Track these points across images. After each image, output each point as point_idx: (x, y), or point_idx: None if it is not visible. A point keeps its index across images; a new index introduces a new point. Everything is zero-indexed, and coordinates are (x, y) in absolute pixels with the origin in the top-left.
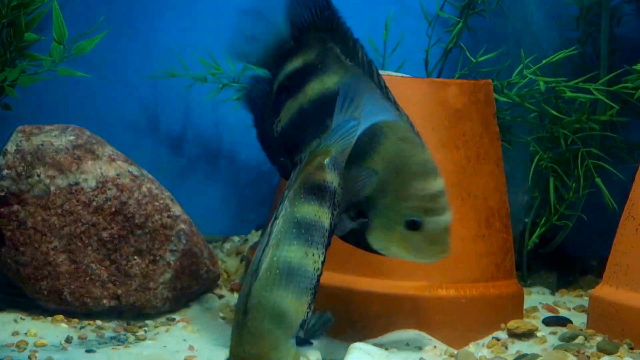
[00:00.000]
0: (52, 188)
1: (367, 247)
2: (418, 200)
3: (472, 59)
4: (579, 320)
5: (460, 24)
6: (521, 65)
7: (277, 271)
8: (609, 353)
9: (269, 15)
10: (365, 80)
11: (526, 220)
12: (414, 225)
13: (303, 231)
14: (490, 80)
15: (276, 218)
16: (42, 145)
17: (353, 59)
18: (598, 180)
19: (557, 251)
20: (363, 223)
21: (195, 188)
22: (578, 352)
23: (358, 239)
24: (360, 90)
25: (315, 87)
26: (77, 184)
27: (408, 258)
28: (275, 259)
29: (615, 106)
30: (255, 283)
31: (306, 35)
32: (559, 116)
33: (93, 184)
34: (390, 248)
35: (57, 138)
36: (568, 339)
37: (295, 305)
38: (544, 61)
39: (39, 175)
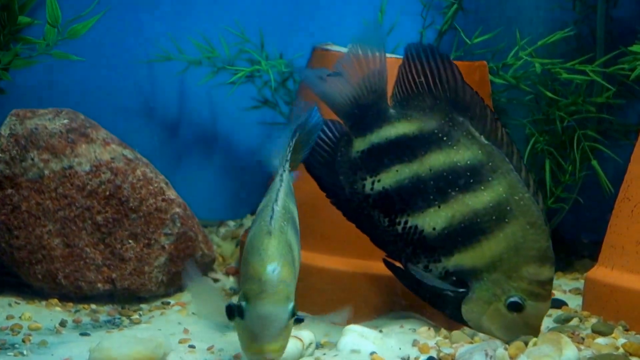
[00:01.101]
0: (46, 172)
1: (456, 316)
2: (527, 282)
3: (467, 41)
4: (574, 302)
5: (455, 6)
6: (517, 47)
7: (285, 213)
8: (603, 334)
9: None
10: (502, 160)
11: None
12: (516, 306)
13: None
14: (485, 62)
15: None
16: (36, 128)
17: (491, 135)
18: (594, 162)
19: (554, 234)
20: (461, 293)
21: (190, 172)
22: (573, 334)
23: (449, 305)
24: (497, 170)
25: (438, 158)
26: (71, 167)
27: (498, 335)
28: (285, 204)
29: (612, 88)
30: (276, 213)
31: (418, 100)
32: (554, 98)
33: (87, 167)
34: (482, 322)
35: (51, 122)
36: (563, 321)
37: (295, 245)
38: (539, 42)
39: (32, 159)
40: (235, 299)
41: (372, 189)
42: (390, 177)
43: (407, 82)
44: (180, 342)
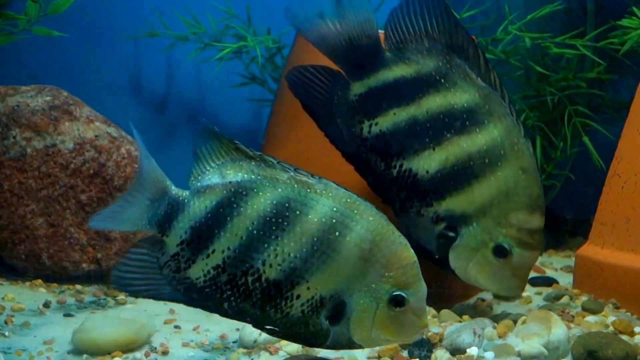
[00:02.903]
0: (29, 150)
1: (443, 264)
2: (516, 230)
3: (456, 15)
4: (565, 280)
5: None
6: (506, 21)
7: None
8: (594, 312)
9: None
10: (499, 104)
11: None
12: (502, 252)
13: None
14: (474, 37)
15: None
16: (17, 106)
17: (485, 79)
18: (585, 138)
19: (546, 211)
20: (450, 239)
21: (177, 150)
22: (563, 311)
23: (437, 253)
24: (493, 113)
25: (435, 101)
26: (54, 145)
27: (483, 284)
28: None
29: (603, 63)
30: None
31: (415, 44)
32: (545, 74)
33: (70, 145)
34: (469, 269)
35: (33, 99)
36: (553, 299)
37: None
38: (528, 17)
39: (14, 137)
40: None
41: (369, 132)
42: (387, 120)
43: (403, 26)
44: (165, 322)
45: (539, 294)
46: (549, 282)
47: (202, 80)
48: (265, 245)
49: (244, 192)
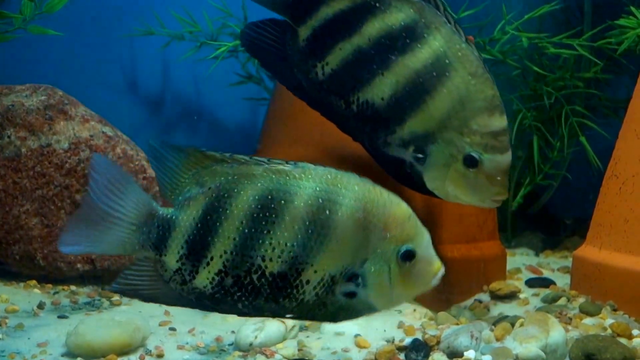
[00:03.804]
0: (23, 150)
1: (423, 188)
2: (480, 136)
3: (453, 15)
4: (562, 281)
5: None
6: (503, 21)
7: None
8: (591, 314)
9: None
10: (434, 14)
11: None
12: (472, 161)
13: None
14: (471, 37)
15: None
16: (12, 105)
17: None
18: (582, 138)
19: (543, 211)
20: (420, 160)
21: None
22: (560, 313)
23: (413, 178)
24: (430, 25)
25: (374, 26)
26: (49, 145)
27: (464, 199)
28: None
29: (600, 63)
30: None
31: None
32: (542, 73)
33: (65, 145)
34: (446, 187)
35: (28, 98)
36: (551, 301)
37: None
38: (525, 16)
39: (9, 137)
40: None
41: (323, 74)
42: (335, 58)
43: None
44: (160, 324)
45: (536, 295)
46: (546, 283)
47: (198, 79)
48: (260, 241)
49: (225, 195)
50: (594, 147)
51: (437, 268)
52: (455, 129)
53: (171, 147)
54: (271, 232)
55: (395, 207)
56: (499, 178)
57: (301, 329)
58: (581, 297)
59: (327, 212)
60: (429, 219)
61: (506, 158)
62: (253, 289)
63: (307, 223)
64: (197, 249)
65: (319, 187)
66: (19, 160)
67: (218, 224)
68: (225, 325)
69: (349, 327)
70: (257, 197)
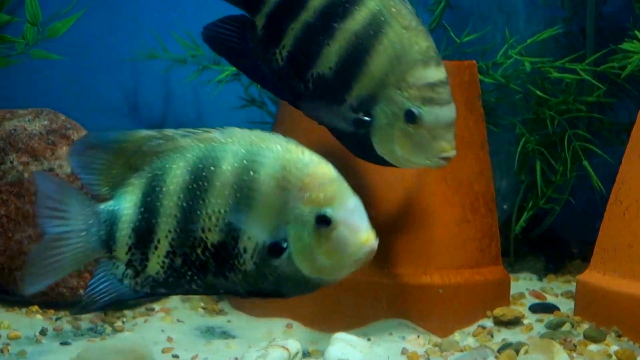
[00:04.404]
0: (26, 175)
1: (373, 155)
2: (417, 89)
3: (456, 39)
4: (566, 306)
5: (443, 3)
6: (506, 45)
7: None
8: (596, 341)
9: None
10: None
11: (504, 206)
12: (411, 116)
13: None
14: (474, 62)
15: None
16: (14, 130)
17: None
18: (585, 163)
19: (545, 235)
20: (366, 124)
21: None
22: (565, 340)
23: (363, 145)
24: None
25: None
26: (51, 170)
27: (412, 160)
28: None
29: (602, 87)
30: None
31: None
32: (545, 97)
33: (68, 170)
34: (393, 149)
35: (30, 123)
36: (555, 327)
37: None
38: (528, 41)
39: (12, 162)
40: None
41: (282, 59)
42: (289, 39)
43: None
44: (163, 351)
45: (540, 321)
46: (550, 309)
47: (200, 103)
48: (198, 212)
49: (159, 173)
50: (597, 170)
51: (365, 239)
52: (393, 86)
53: (93, 145)
54: (206, 201)
55: (315, 167)
56: (441, 132)
57: (304, 355)
58: (585, 323)
59: (251, 172)
60: (432, 244)
61: (446, 111)
62: (201, 264)
63: (235, 187)
64: (143, 235)
65: (244, 148)
66: (22, 185)
67: (158, 204)
68: (228, 352)
69: (353, 353)
70: (188, 169)
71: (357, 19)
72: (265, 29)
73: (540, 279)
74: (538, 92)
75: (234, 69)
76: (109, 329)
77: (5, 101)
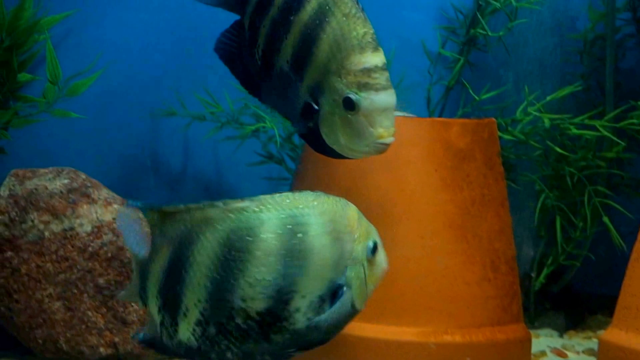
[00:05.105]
0: (47, 233)
1: (323, 146)
2: (353, 74)
3: (475, 97)
4: None
5: (462, 61)
6: (525, 102)
7: None
8: None
9: None
10: None
11: (524, 263)
12: (349, 103)
13: None
14: (494, 119)
15: None
16: (36, 189)
17: None
18: (605, 219)
19: (565, 290)
20: (315, 112)
21: None
22: None
23: (317, 136)
24: None
25: None
26: (72, 229)
27: (354, 148)
28: None
29: (622, 143)
30: None
31: None
32: (564, 154)
33: (89, 228)
34: (338, 138)
35: (51, 182)
36: None
37: None
38: (547, 98)
39: (32, 221)
40: None
41: (259, 57)
42: (262, 37)
43: None
44: None
45: None
46: None
47: (219, 159)
48: (234, 282)
49: (186, 243)
50: (617, 226)
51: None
52: (334, 73)
53: (132, 211)
54: (244, 271)
55: (349, 208)
56: (378, 118)
57: None
58: None
59: (299, 235)
60: (454, 302)
61: (382, 96)
62: (240, 332)
63: (283, 252)
64: (170, 300)
65: (282, 214)
66: (42, 243)
67: (184, 272)
68: None
69: None
70: (220, 240)
71: (307, 10)
72: (249, 30)
73: (560, 335)
74: (557, 149)
75: (253, 127)
76: None
77: (26, 160)
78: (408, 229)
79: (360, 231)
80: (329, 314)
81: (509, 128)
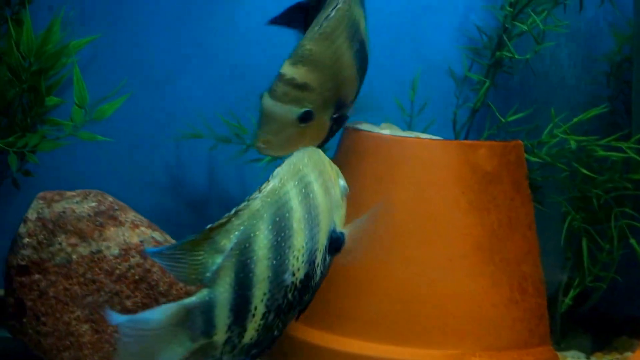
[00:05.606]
0: (74, 256)
1: None
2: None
3: (501, 119)
4: None
5: (488, 83)
6: (551, 124)
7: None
8: None
9: None
10: None
11: (551, 285)
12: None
13: None
14: (521, 142)
15: None
16: (63, 212)
17: None
18: (633, 241)
19: (592, 311)
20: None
21: None
22: None
23: None
24: None
25: None
26: (99, 251)
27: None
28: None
29: None
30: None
31: None
32: (591, 176)
33: (116, 251)
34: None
35: (78, 205)
36: None
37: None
38: (574, 120)
39: (60, 244)
40: None
41: None
42: None
43: None
44: None
45: None
46: None
47: (244, 181)
48: (286, 261)
49: (247, 244)
50: None
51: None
52: None
53: (177, 248)
54: (291, 247)
55: (322, 154)
56: (260, 122)
57: None
58: None
59: (310, 195)
60: (481, 324)
61: (264, 101)
62: (289, 307)
63: (306, 215)
64: (241, 311)
65: (295, 180)
66: (70, 266)
67: (251, 274)
68: None
69: None
70: (269, 227)
71: None
72: None
73: (587, 357)
74: (584, 170)
75: None
76: None
77: (53, 182)
78: (436, 252)
79: (333, 174)
80: (329, 261)
81: (535, 150)
